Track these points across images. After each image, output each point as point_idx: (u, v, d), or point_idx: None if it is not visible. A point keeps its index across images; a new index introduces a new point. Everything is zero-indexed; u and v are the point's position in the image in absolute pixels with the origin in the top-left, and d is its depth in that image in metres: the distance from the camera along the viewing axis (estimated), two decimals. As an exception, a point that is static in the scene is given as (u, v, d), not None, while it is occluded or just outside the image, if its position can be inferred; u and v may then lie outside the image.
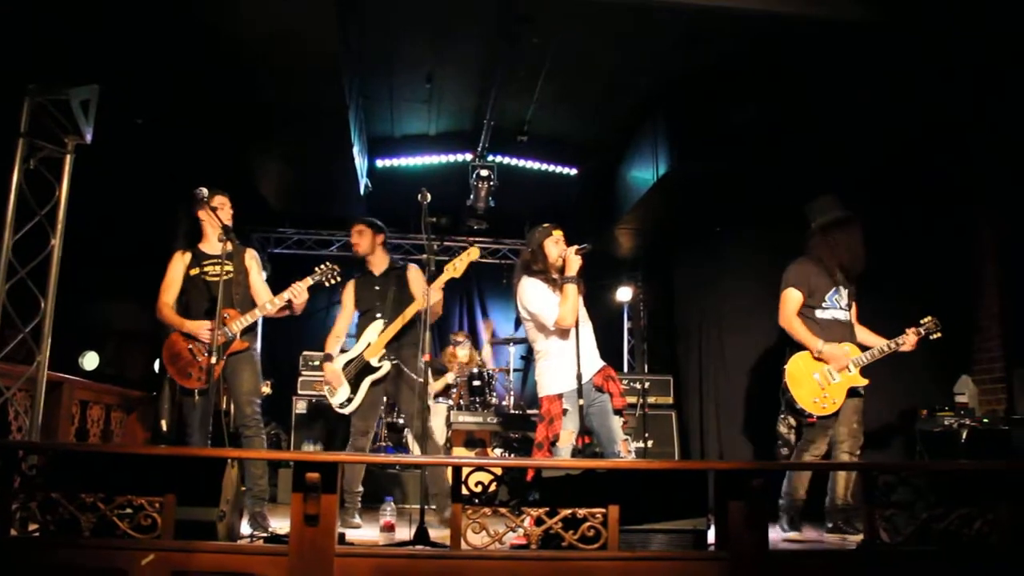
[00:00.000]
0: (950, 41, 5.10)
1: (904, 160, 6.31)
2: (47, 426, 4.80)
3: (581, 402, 4.26)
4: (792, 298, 5.09)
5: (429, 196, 4.55)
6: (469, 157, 7.88)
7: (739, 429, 6.96)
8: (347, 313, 5.49)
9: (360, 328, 5.38)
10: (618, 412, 4.41)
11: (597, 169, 8.40)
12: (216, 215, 4.69)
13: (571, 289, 4.41)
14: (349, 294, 5.48)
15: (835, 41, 5.30)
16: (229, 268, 4.83)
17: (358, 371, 5.22)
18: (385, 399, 5.57)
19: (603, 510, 3.30)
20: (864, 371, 5.01)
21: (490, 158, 7.78)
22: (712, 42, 5.74)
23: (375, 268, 5.51)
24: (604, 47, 6.14)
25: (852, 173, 6.49)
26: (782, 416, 5.17)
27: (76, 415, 5.44)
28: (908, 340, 5.02)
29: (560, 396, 4.39)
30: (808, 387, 4.98)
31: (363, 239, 5.52)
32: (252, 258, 5.06)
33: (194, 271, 4.86)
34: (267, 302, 4.80)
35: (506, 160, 8.00)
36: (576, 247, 4.50)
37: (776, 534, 5.04)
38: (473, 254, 5.16)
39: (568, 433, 4.33)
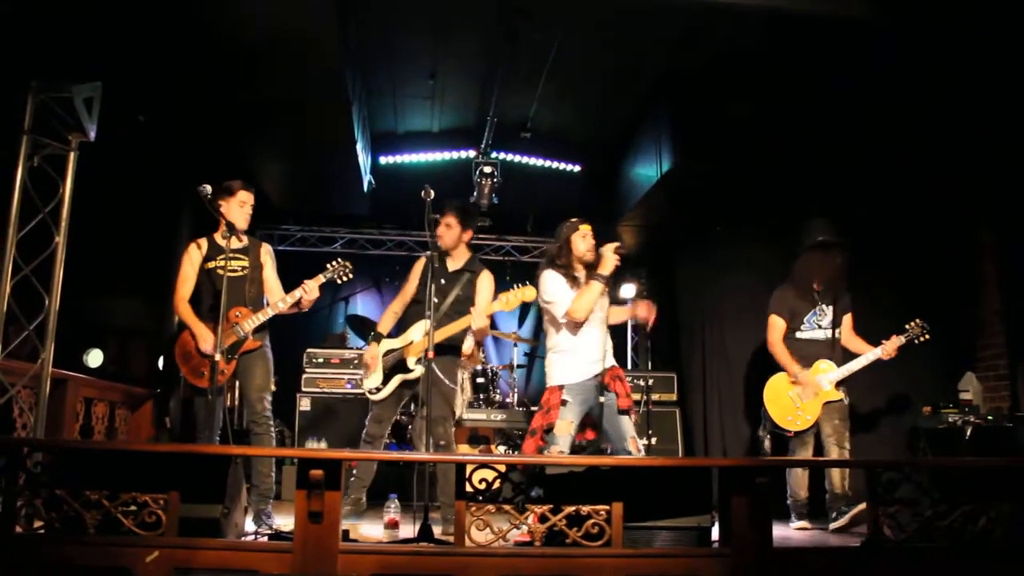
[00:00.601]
0: (952, 40, 5.10)
1: (906, 158, 6.30)
2: (51, 423, 4.81)
3: (602, 399, 4.37)
4: (774, 325, 5.49)
5: (432, 193, 4.53)
6: (472, 154, 7.87)
7: (742, 426, 6.95)
8: (411, 289, 5.18)
9: (407, 319, 5.17)
10: (624, 412, 4.43)
11: (600, 166, 8.39)
12: (220, 212, 4.64)
13: (595, 286, 4.43)
14: (417, 272, 5.20)
15: (839, 40, 5.30)
16: (244, 263, 4.80)
17: (393, 364, 5.10)
18: (412, 402, 5.41)
19: (607, 507, 3.31)
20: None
21: (493, 155, 7.76)
22: (716, 39, 5.73)
23: (451, 261, 5.20)
24: (607, 43, 6.13)
25: (854, 172, 6.47)
26: (762, 423, 5.54)
27: (80, 412, 5.44)
28: (886, 349, 5.23)
29: (561, 387, 4.46)
30: (783, 405, 5.37)
31: (450, 232, 5.12)
32: (267, 254, 4.99)
33: (210, 264, 4.78)
34: (279, 300, 4.75)
35: (509, 157, 7.98)
36: (615, 245, 4.51)
37: (784, 530, 5.13)
38: (529, 295, 4.84)
39: (567, 423, 4.38)
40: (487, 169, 7.69)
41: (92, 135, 4.72)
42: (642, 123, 7.46)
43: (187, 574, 3.14)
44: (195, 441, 4.63)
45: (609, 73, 6.65)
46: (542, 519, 3.33)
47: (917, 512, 3.45)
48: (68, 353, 5.37)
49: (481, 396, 7.34)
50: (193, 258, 4.81)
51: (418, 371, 5.01)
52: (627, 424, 4.43)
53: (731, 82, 6.16)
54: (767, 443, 5.50)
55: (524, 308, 9.91)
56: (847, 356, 5.38)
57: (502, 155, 7.89)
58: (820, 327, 5.43)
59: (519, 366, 8.36)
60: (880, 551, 3.39)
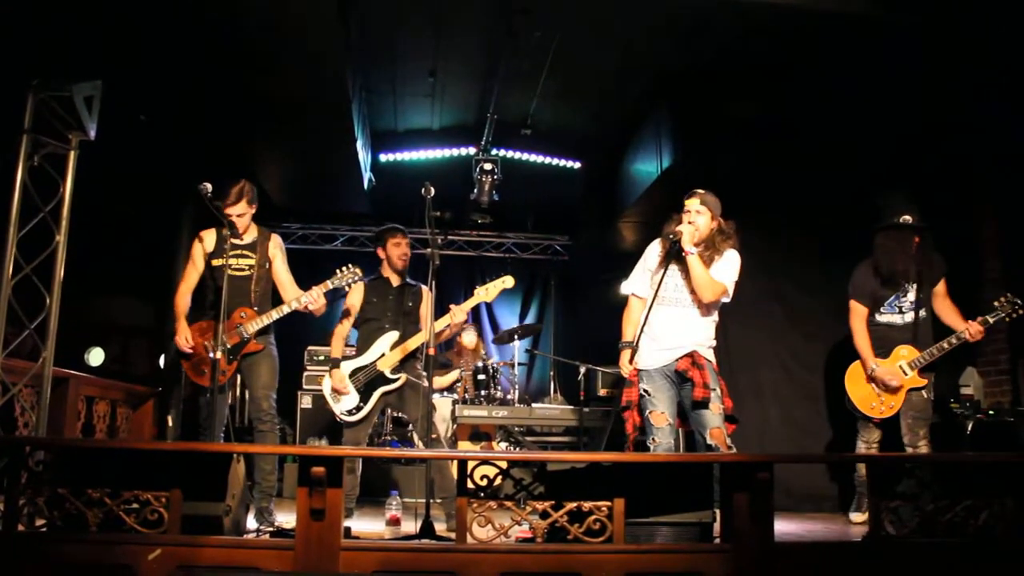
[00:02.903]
0: (955, 37, 5.09)
1: (908, 155, 6.29)
2: (53, 422, 4.82)
3: (642, 387, 4.25)
4: (855, 311, 5.25)
5: (433, 190, 4.53)
6: (472, 151, 7.87)
7: (744, 421, 6.93)
8: (353, 316, 5.31)
9: (366, 337, 5.25)
10: (699, 403, 4.14)
11: (601, 163, 8.39)
12: (222, 212, 4.59)
13: (691, 260, 4.27)
14: (358, 298, 5.30)
15: (841, 37, 5.29)
16: (251, 262, 4.75)
17: (369, 380, 5.11)
18: (389, 410, 5.46)
19: (609, 503, 3.31)
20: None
21: (493, 152, 7.77)
22: (717, 36, 5.71)
23: (393, 279, 5.35)
24: (607, 41, 6.12)
25: (856, 168, 6.47)
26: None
27: (82, 411, 5.45)
28: (971, 330, 4.96)
29: (638, 371, 4.32)
30: (864, 392, 5.19)
31: (407, 248, 5.37)
32: (276, 247, 4.90)
33: (216, 261, 4.70)
34: (284, 305, 4.71)
35: (509, 154, 7.98)
36: (675, 230, 4.29)
37: (786, 525, 5.12)
38: (508, 282, 5.23)
39: (658, 415, 4.20)
40: (487, 166, 7.70)
41: (92, 134, 4.70)
42: (642, 120, 7.45)
43: (189, 572, 3.14)
44: (198, 439, 4.63)
45: (609, 70, 6.64)
46: (544, 515, 3.33)
47: (918, 507, 3.45)
48: (69, 352, 5.37)
49: (482, 392, 7.35)
50: (196, 252, 4.78)
51: (401, 379, 5.11)
52: (706, 416, 4.14)
53: (732, 79, 6.15)
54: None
55: (526, 303, 9.94)
56: (931, 339, 5.10)
57: (502, 152, 7.89)
58: (900, 311, 5.17)
59: (520, 363, 8.37)
60: (881, 546, 3.39)
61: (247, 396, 5.35)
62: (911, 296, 5.16)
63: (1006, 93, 5.48)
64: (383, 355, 5.14)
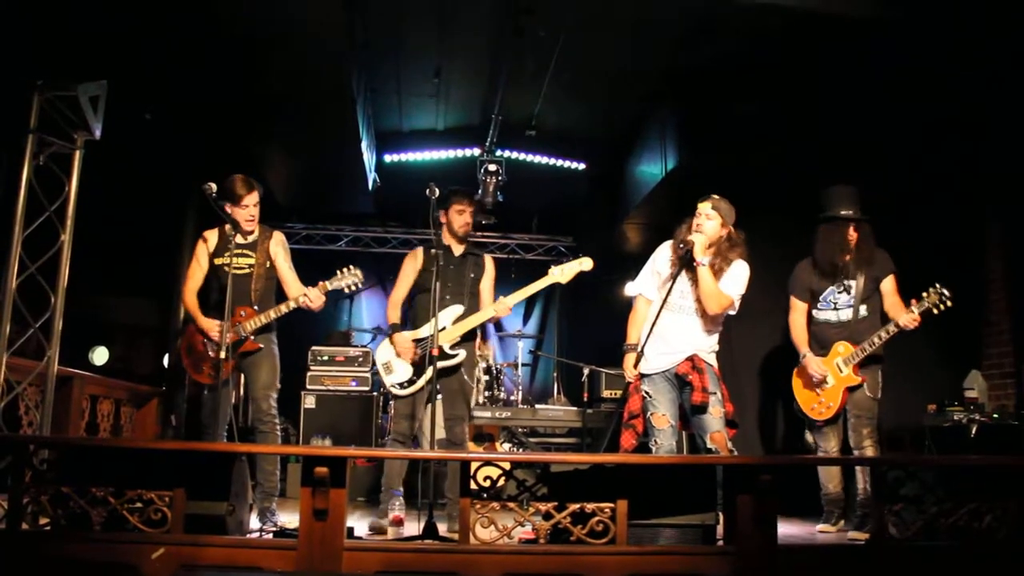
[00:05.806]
0: (957, 38, 5.08)
1: (912, 157, 6.28)
2: (57, 421, 4.82)
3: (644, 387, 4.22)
4: (793, 306, 5.19)
5: (437, 191, 4.52)
6: (477, 152, 7.87)
7: (748, 423, 6.93)
8: (407, 282, 4.98)
9: (425, 308, 4.79)
10: (697, 407, 4.09)
11: (605, 164, 8.39)
12: (225, 212, 4.59)
13: (700, 271, 4.25)
14: (415, 265, 5.00)
15: (844, 38, 5.29)
16: (251, 261, 4.73)
17: (424, 354, 4.76)
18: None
19: (612, 505, 3.30)
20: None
21: (498, 153, 7.77)
22: (721, 37, 5.72)
23: (455, 247, 5.00)
24: (612, 42, 6.12)
25: (860, 170, 6.46)
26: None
27: (86, 410, 5.46)
28: (902, 319, 4.74)
29: (641, 376, 4.29)
30: (807, 394, 5.11)
31: (462, 218, 4.95)
32: (278, 244, 4.82)
33: (218, 260, 4.66)
34: (282, 305, 4.68)
35: (514, 155, 7.98)
36: (686, 239, 4.27)
37: (788, 527, 5.09)
38: (586, 264, 4.91)
39: (659, 416, 4.18)
40: (492, 167, 7.69)
41: (98, 134, 4.71)
42: (647, 121, 7.45)
43: (192, 571, 3.14)
44: (202, 438, 4.63)
45: (614, 71, 6.65)
46: (546, 516, 3.33)
47: (922, 510, 3.44)
48: (74, 351, 5.40)
49: (486, 393, 7.35)
50: (200, 252, 4.77)
51: (461, 355, 4.81)
52: (706, 420, 4.09)
53: (736, 80, 6.15)
54: (809, 437, 5.21)
55: (530, 304, 9.94)
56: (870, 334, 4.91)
57: (507, 153, 7.89)
58: (836, 307, 5.02)
59: (524, 364, 8.37)
60: (885, 549, 3.39)
61: (248, 396, 5.34)
62: (852, 291, 5.01)
63: (1007, 93, 5.47)
64: (444, 328, 4.77)
